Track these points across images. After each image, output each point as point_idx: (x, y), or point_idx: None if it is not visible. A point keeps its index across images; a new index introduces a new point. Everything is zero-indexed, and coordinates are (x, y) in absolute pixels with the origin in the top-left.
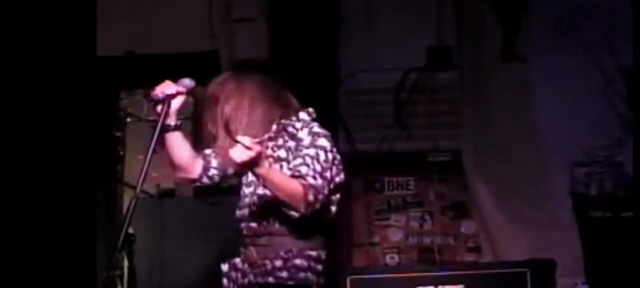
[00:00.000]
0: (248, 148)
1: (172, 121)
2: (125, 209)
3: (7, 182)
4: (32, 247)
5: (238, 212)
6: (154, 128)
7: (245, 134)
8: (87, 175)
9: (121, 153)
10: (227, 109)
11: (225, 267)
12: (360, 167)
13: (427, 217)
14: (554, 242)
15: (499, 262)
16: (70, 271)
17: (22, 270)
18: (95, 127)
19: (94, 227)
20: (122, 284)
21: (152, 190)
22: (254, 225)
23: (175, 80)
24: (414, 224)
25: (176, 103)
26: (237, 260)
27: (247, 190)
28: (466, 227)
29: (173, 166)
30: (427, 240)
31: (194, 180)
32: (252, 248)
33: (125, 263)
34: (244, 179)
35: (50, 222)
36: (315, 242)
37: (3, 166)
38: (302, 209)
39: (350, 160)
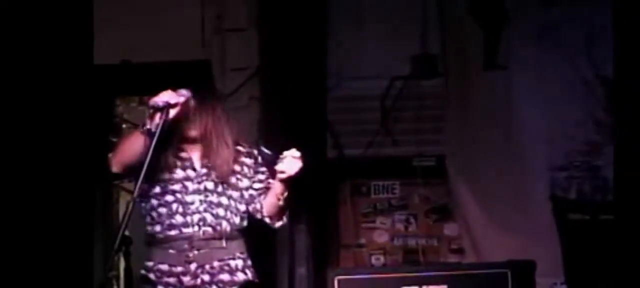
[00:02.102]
0: (298, 158)
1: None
2: (121, 212)
3: (7, 186)
4: (32, 248)
5: (180, 218)
6: (151, 135)
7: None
8: (85, 179)
9: None
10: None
11: (152, 276)
12: (347, 171)
13: (412, 220)
14: (534, 244)
15: (481, 263)
16: (68, 271)
17: (22, 271)
18: (93, 132)
19: (91, 229)
20: (118, 284)
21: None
22: (208, 229)
23: (173, 89)
24: (399, 226)
25: (173, 112)
26: (163, 266)
27: (192, 198)
28: (449, 229)
29: (127, 163)
30: (411, 242)
31: (116, 174)
32: (206, 251)
33: (122, 265)
34: (176, 187)
35: (48, 224)
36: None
37: (3, 170)
38: (285, 219)
39: (338, 165)
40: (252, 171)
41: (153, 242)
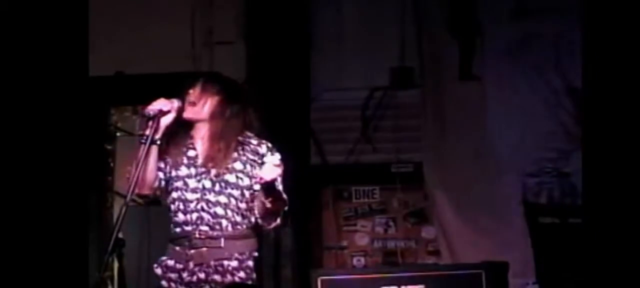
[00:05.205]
0: (277, 166)
1: (156, 136)
2: (115, 217)
3: (5, 191)
4: (29, 251)
5: (181, 216)
6: (143, 142)
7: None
8: (80, 185)
9: (111, 165)
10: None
11: (159, 271)
12: (330, 177)
13: (391, 223)
14: (507, 246)
15: (457, 264)
16: (64, 273)
17: (20, 272)
18: (88, 141)
19: (86, 233)
20: (112, 285)
21: (140, 199)
22: (205, 229)
23: (166, 98)
24: (379, 229)
25: (165, 120)
26: (170, 261)
27: (191, 196)
28: (426, 232)
29: (139, 179)
30: (391, 244)
31: (146, 196)
32: (203, 250)
33: (116, 266)
34: (179, 184)
35: (45, 228)
36: (255, 245)
37: (2, 175)
38: (279, 221)
39: (321, 171)
40: (254, 170)
41: (170, 238)
